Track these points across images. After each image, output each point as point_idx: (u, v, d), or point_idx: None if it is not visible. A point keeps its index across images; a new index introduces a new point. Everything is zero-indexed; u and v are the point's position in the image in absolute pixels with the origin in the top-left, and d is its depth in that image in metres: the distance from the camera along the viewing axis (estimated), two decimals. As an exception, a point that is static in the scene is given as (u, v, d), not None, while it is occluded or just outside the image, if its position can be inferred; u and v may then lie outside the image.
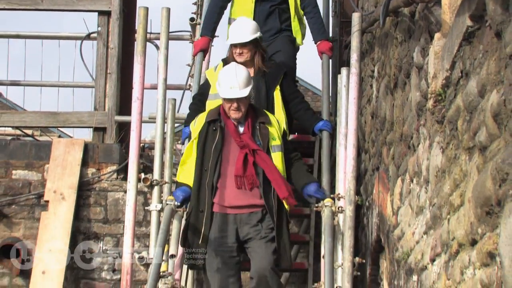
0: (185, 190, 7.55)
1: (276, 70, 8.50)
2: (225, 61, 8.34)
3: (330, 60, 9.28)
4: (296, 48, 9.64)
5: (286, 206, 7.48)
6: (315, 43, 9.40)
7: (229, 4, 9.65)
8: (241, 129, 7.61)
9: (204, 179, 7.50)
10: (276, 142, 7.61)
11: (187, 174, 7.65)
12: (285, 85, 8.46)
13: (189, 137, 7.94)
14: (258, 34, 8.26)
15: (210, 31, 9.53)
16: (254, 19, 9.06)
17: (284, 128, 7.89)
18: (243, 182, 7.43)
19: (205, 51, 9.41)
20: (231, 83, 7.49)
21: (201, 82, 9.09)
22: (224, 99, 7.58)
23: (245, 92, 7.50)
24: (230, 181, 7.47)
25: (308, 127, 8.42)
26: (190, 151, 7.74)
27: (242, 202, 7.45)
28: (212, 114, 7.79)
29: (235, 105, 7.52)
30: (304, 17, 9.56)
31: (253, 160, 7.41)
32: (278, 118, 7.94)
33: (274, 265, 7.36)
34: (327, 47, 9.23)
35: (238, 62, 8.00)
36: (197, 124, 7.81)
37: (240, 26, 8.33)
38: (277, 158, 7.55)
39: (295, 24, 9.41)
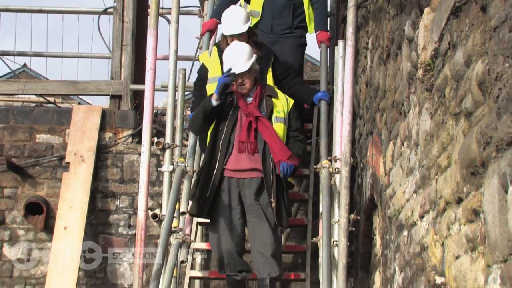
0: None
1: (267, 53, 8.36)
2: (218, 46, 8.28)
3: (328, 49, 9.21)
4: (304, 50, 9.60)
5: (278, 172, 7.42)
6: (315, 32, 9.29)
7: None
8: (249, 100, 7.60)
9: (218, 139, 7.49)
10: (280, 114, 7.60)
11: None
12: (277, 66, 8.31)
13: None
14: (249, 22, 8.06)
15: (219, 15, 9.22)
16: (265, 10, 9.05)
17: (290, 107, 7.78)
18: (246, 147, 7.44)
19: (212, 31, 9.30)
20: (233, 60, 7.50)
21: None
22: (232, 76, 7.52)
23: (246, 66, 7.47)
24: (235, 146, 7.48)
25: (306, 99, 8.31)
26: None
27: (243, 166, 7.49)
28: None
29: (239, 81, 7.52)
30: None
31: (255, 127, 7.40)
32: (288, 99, 7.86)
33: (271, 246, 7.38)
34: (325, 37, 9.11)
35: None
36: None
37: (233, 16, 8.04)
38: (279, 129, 7.53)
39: (309, 12, 9.29)
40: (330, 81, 8.91)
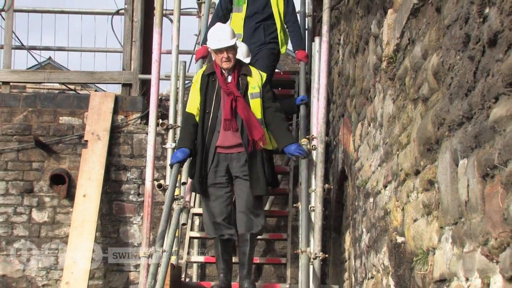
0: (185, 151, 7.19)
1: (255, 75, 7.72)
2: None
3: (306, 66, 8.85)
4: (276, 58, 9.21)
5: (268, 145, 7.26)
6: (294, 51, 9.13)
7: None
8: (229, 79, 7.29)
9: (206, 121, 7.23)
10: (255, 90, 7.28)
11: (188, 132, 7.31)
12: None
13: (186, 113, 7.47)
14: (236, 38, 7.46)
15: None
16: (243, 33, 8.83)
17: (264, 81, 7.40)
18: (231, 125, 7.18)
19: (204, 57, 8.97)
20: (220, 36, 7.25)
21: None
22: (216, 52, 7.24)
23: (232, 42, 7.22)
24: (222, 124, 7.22)
25: (292, 107, 8.21)
26: (193, 97, 7.37)
27: (230, 143, 7.22)
28: (209, 68, 7.46)
29: (225, 55, 7.19)
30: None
31: (236, 106, 7.17)
32: (261, 74, 7.51)
33: (252, 206, 7.23)
34: (303, 55, 8.86)
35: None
36: (197, 78, 7.47)
37: (220, 31, 7.41)
38: (256, 104, 7.24)
39: (281, 35, 9.00)
40: (308, 72, 8.86)
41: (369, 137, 6.38)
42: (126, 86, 11.14)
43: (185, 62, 8.93)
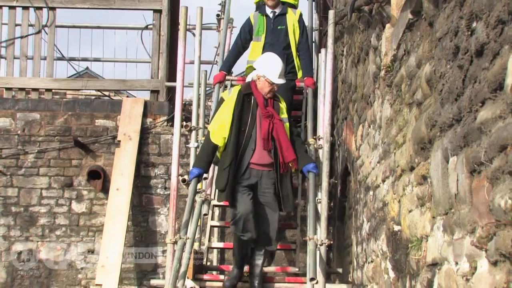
0: (200, 171, 7.01)
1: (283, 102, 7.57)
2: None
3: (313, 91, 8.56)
4: (293, 91, 8.98)
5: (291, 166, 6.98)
6: (303, 77, 8.73)
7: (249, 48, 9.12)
8: (267, 102, 7.05)
9: (241, 138, 6.91)
10: (284, 115, 7.08)
11: (217, 136, 6.98)
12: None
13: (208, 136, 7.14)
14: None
15: (227, 67, 9.02)
16: None
17: (286, 108, 7.24)
18: (268, 145, 6.91)
19: (221, 83, 8.89)
20: (278, 71, 7.02)
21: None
22: (270, 83, 6.98)
23: (284, 80, 7.13)
24: (258, 142, 6.93)
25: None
26: (223, 112, 7.06)
27: (265, 161, 6.95)
28: (246, 88, 7.15)
29: (274, 88, 7.02)
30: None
31: (272, 127, 6.91)
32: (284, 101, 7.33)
33: (276, 224, 7.09)
34: (311, 82, 8.55)
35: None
36: (232, 95, 7.15)
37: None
38: (286, 128, 7.02)
39: (297, 62, 8.81)
40: (316, 79, 8.86)
41: (369, 137, 6.37)
42: (154, 92, 11.18)
43: (206, 71, 8.97)
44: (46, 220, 10.74)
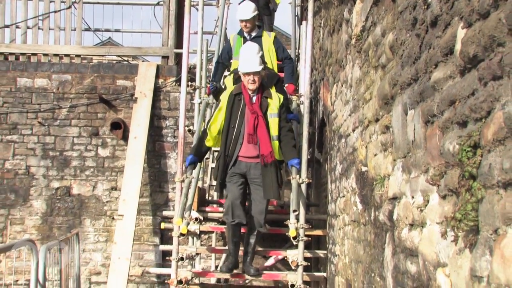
0: (195, 159, 6.67)
1: (272, 75, 7.39)
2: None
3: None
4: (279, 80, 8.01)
5: (277, 157, 6.53)
6: (285, 84, 8.00)
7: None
8: (254, 100, 6.57)
9: (230, 134, 6.51)
10: (273, 111, 6.54)
11: (210, 136, 6.61)
12: (281, 112, 6.69)
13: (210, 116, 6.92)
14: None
15: (217, 79, 8.28)
16: None
17: (281, 103, 6.69)
18: (253, 139, 6.48)
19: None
20: (249, 61, 6.53)
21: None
22: (244, 74, 6.54)
23: (259, 68, 6.51)
24: (245, 137, 6.51)
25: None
26: (218, 114, 6.61)
27: (251, 154, 6.51)
28: (237, 89, 6.66)
29: (251, 78, 6.49)
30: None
31: (258, 123, 6.48)
32: (279, 96, 6.76)
33: (264, 209, 6.64)
34: (292, 89, 8.03)
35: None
36: (224, 95, 6.73)
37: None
38: (274, 122, 6.56)
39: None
40: (298, 47, 8.76)
41: (342, 94, 6.33)
42: (165, 57, 11.17)
43: (207, 40, 8.89)
44: (77, 163, 10.76)
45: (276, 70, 7.77)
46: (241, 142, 6.52)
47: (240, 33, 8.31)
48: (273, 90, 6.85)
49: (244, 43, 7.90)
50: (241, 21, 8.04)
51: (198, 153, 6.74)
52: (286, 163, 6.68)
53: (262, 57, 6.92)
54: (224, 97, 6.68)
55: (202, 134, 6.79)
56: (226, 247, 7.24)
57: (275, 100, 6.63)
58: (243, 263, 6.82)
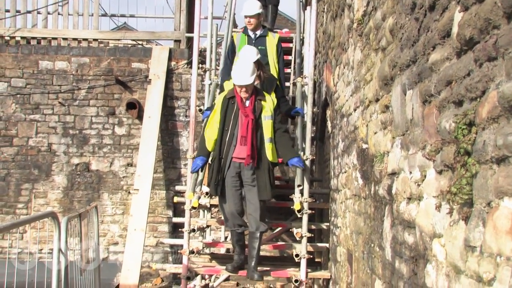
0: (203, 159, 6.35)
1: (271, 79, 7.05)
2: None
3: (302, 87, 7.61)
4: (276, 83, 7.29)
5: (270, 159, 6.24)
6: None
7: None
8: (247, 103, 6.27)
9: (224, 136, 6.25)
10: (267, 113, 6.26)
11: (208, 141, 6.36)
12: (275, 114, 6.37)
13: (210, 110, 6.63)
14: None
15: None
16: None
17: (275, 105, 6.40)
18: (245, 141, 6.18)
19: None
20: (240, 74, 6.22)
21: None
22: (236, 85, 6.24)
23: (249, 80, 6.18)
24: (238, 139, 6.24)
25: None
26: (213, 117, 6.39)
27: (243, 155, 6.21)
28: (230, 93, 6.36)
29: (243, 89, 6.18)
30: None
31: (251, 126, 6.18)
32: (273, 99, 6.46)
33: (260, 209, 6.35)
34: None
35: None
36: (218, 99, 6.48)
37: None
38: (268, 125, 6.22)
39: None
40: (302, 31, 8.68)
41: (344, 76, 6.30)
42: (177, 41, 11.12)
43: (217, 24, 8.81)
44: (95, 140, 10.78)
45: (277, 70, 7.51)
46: (235, 144, 6.27)
47: (245, 31, 8.10)
48: (266, 94, 6.53)
49: (248, 42, 7.69)
50: (246, 17, 7.90)
51: (205, 153, 6.41)
52: (286, 163, 6.42)
53: (259, 61, 6.71)
54: (218, 101, 6.48)
55: (204, 144, 6.49)
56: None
57: (269, 103, 6.35)
58: (248, 267, 6.51)
